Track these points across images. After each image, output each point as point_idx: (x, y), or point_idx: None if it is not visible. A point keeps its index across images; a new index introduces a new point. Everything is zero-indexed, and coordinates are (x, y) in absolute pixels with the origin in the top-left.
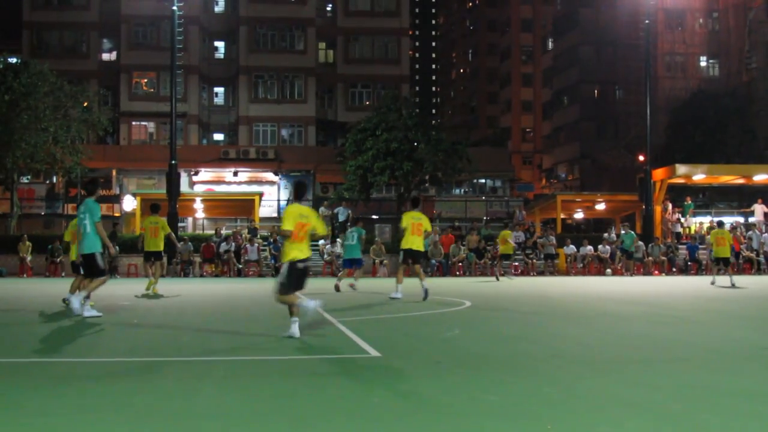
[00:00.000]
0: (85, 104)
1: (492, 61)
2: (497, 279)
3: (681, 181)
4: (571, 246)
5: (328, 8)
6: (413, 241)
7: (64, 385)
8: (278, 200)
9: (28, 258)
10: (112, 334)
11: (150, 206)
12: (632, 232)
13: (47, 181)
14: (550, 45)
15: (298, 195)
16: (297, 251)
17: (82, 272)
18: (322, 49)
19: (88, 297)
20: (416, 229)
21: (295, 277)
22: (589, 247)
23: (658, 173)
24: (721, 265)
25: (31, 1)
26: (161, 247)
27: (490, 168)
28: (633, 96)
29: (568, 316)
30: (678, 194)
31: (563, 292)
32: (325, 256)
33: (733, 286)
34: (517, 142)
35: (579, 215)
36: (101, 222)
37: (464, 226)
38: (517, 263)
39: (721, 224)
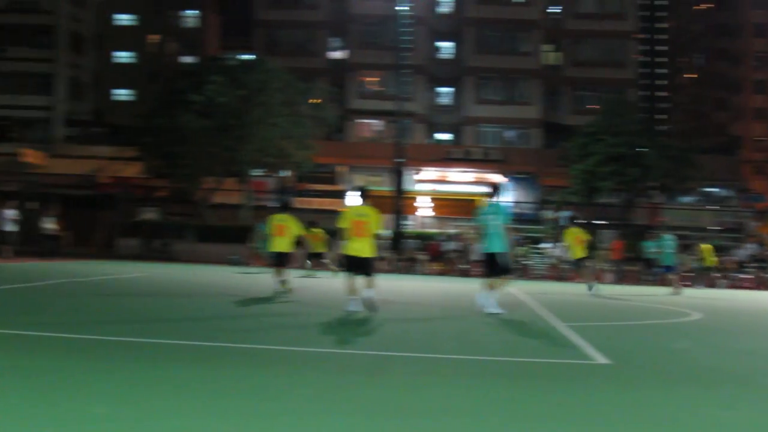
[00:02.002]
0: (315, 101)
1: (722, 67)
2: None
3: None
4: None
5: (554, 10)
6: (354, 246)
7: (301, 375)
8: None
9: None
10: (344, 327)
11: (282, 204)
12: None
13: (277, 175)
14: None
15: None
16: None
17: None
18: (547, 51)
19: (491, 293)
20: (360, 230)
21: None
22: None
23: None
24: None
25: (264, 1)
26: (289, 248)
27: (719, 176)
28: None
29: None
30: None
31: None
32: (549, 259)
33: None
34: (748, 151)
35: None
36: (508, 224)
37: (691, 236)
38: (749, 276)
39: None
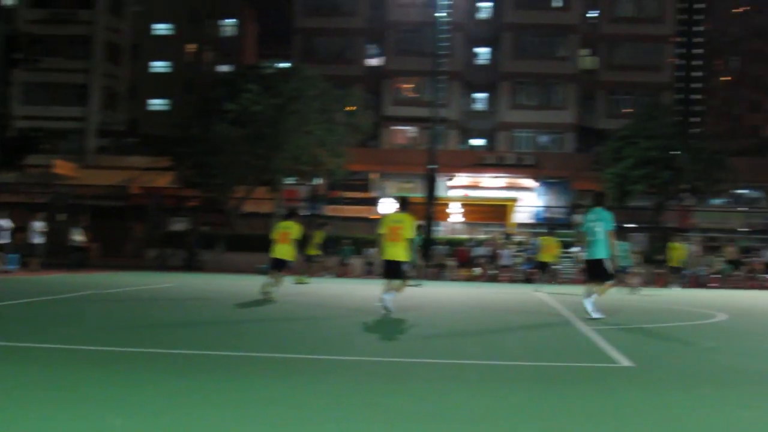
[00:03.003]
0: (351, 108)
1: (758, 69)
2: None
3: None
4: None
5: (592, 14)
6: (389, 250)
7: (320, 383)
8: (536, 206)
9: None
10: (365, 334)
11: (288, 212)
12: None
13: (310, 183)
14: None
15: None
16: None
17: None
18: (583, 55)
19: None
20: (395, 235)
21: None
22: None
23: None
24: None
25: (303, 8)
26: (290, 256)
27: (751, 179)
28: None
29: None
30: None
31: None
32: (580, 262)
33: None
34: None
35: None
36: (612, 231)
37: (721, 237)
38: None
39: None
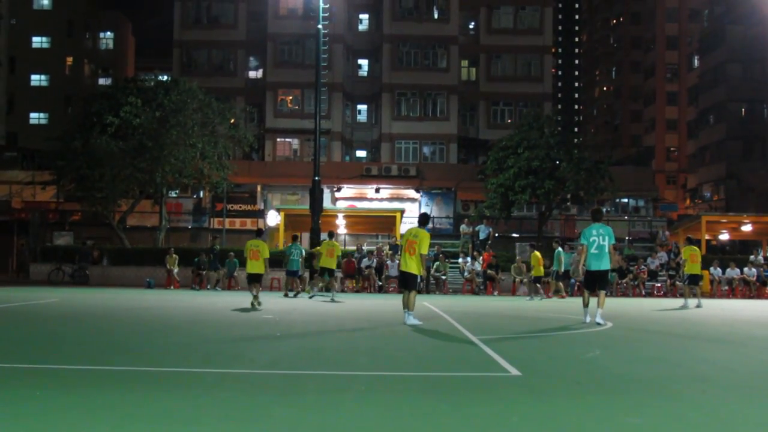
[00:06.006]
0: (232, 121)
1: (636, 79)
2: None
3: None
4: (718, 268)
5: (471, 26)
6: (404, 262)
7: (208, 396)
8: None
9: (175, 270)
10: (256, 346)
11: (256, 231)
12: None
13: (194, 196)
14: (696, 62)
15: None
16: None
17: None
18: (464, 66)
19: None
20: (411, 248)
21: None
22: (736, 270)
23: None
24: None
25: (182, 21)
26: (262, 270)
27: (633, 187)
28: None
29: (713, 340)
30: None
31: (708, 314)
32: (465, 273)
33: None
34: (661, 161)
35: (724, 236)
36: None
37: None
38: (660, 284)
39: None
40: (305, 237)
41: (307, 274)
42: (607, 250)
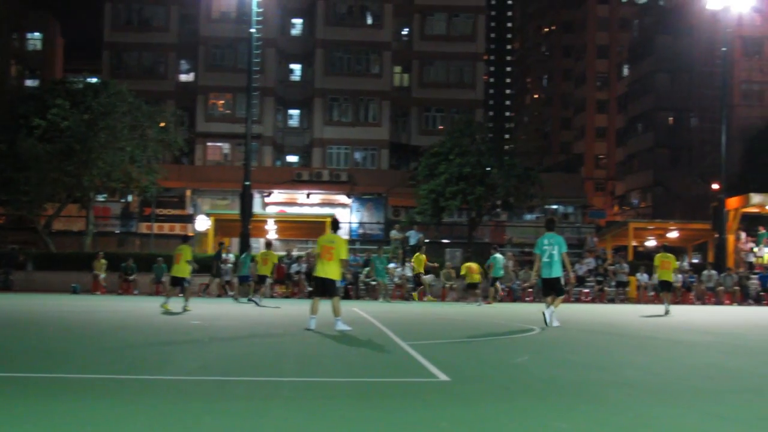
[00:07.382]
0: (162, 124)
1: (567, 87)
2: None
3: (755, 210)
4: (644, 274)
5: (404, 32)
6: (323, 268)
7: (134, 404)
8: (350, 223)
9: (102, 275)
10: (184, 352)
11: (182, 237)
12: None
13: (122, 200)
14: (626, 71)
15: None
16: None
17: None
18: (397, 72)
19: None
20: (328, 254)
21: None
22: None
23: (732, 202)
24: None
25: (112, 23)
26: (185, 274)
27: (563, 194)
28: (708, 124)
29: (638, 344)
30: (752, 223)
31: (634, 320)
32: (396, 279)
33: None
34: (590, 168)
35: (651, 243)
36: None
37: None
38: (588, 290)
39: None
40: (234, 242)
41: (236, 280)
42: (557, 258)
